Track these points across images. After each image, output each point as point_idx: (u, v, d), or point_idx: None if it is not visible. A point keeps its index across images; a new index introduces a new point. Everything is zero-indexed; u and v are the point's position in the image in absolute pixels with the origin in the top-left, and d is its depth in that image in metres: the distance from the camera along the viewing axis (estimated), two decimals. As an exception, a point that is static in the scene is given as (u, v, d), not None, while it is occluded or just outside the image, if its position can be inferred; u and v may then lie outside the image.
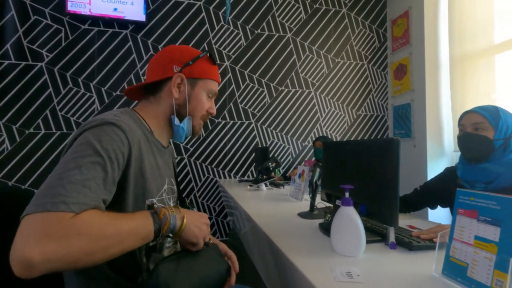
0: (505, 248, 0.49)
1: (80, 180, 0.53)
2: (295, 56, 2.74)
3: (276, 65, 2.69)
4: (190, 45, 2.49)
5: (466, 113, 1.11)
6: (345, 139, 2.83)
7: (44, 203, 0.49)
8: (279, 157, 2.68)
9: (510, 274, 0.47)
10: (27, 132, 2.16)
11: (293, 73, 2.73)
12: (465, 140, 1.09)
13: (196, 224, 0.67)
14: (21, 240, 0.46)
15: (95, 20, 2.29)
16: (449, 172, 1.22)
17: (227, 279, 0.74)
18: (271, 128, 2.68)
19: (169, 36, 2.46)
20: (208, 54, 0.82)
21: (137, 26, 2.38)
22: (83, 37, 2.28)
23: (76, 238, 0.49)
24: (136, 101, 0.87)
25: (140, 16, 2.31)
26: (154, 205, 0.67)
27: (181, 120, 0.81)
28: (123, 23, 2.34)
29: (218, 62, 0.85)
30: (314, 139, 2.76)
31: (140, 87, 0.82)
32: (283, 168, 2.69)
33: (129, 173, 0.64)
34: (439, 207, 1.24)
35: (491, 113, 1.05)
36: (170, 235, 0.64)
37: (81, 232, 0.50)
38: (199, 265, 0.68)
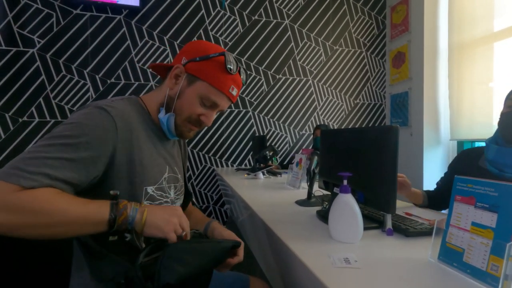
0: (502, 234, 0.50)
1: (43, 157, 0.56)
2: (292, 43, 2.69)
3: (274, 52, 2.65)
4: (185, 31, 2.44)
5: None
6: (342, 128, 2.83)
7: (1, 171, 0.54)
8: (276, 146, 2.68)
9: (505, 259, 0.48)
10: (20, 120, 2.13)
11: (290, 61, 2.69)
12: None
13: (163, 217, 0.62)
14: None
15: (87, 4, 2.22)
16: (466, 155, 1.14)
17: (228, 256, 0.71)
18: (269, 117, 2.66)
19: (164, 22, 2.40)
20: (221, 56, 0.73)
21: (131, 11, 2.31)
22: (75, 23, 2.22)
23: (19, 211, 0.52)
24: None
25: (134, 1, 2.25)
26: (118, 197, 0.63)
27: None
28: (116, 8, 2.28)
29: (236, 73, 0.75)
30: (313, 128, 2.75)
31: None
32: (280, 157, 2.69)
33: (117, 159, 0.65)
34: None
35: None
36: (129, 228, 0.60)
37: (25, 206, 0.53)
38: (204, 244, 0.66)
